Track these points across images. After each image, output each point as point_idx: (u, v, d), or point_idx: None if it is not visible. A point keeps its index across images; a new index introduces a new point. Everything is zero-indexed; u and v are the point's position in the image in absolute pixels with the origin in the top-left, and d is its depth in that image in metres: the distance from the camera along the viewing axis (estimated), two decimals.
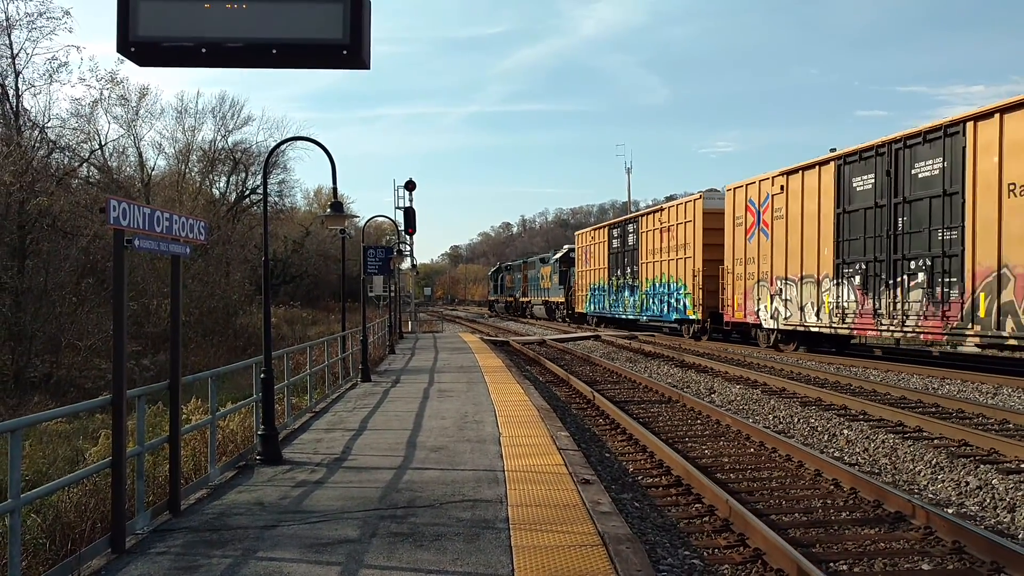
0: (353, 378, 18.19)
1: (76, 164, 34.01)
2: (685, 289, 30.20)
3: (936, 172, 17.76)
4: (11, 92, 29.74)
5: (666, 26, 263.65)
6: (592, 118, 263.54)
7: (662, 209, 33.52)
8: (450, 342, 31.76)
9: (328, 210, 11.75)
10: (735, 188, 26.81)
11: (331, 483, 8.04)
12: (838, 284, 21.14)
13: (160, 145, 64.43)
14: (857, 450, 10.72)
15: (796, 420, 12.87)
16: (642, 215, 36.64)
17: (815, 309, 22.06)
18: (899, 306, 18.82)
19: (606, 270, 40.27)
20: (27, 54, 32.09)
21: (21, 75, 30.02)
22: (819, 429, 12.10)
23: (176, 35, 4.14)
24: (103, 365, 22.59)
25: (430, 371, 19.84)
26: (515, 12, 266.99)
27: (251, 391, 9.94)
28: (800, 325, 22.82)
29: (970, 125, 16.71)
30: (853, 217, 20.55)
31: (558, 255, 52.18)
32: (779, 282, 23.83)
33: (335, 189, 11.15)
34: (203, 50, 4.19)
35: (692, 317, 29.81)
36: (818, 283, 21.95)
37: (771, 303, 24.30)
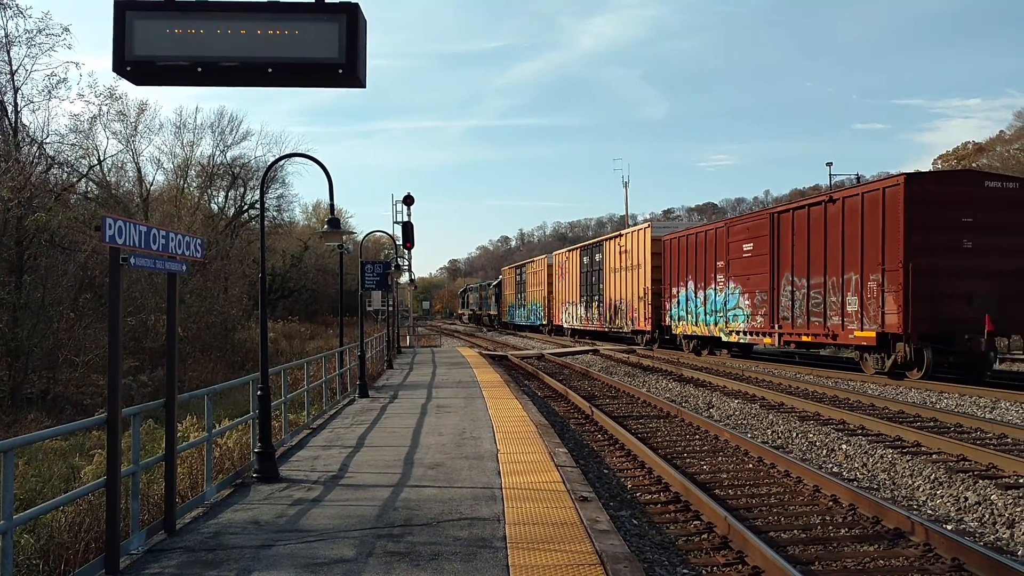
0: (351, 394, 18.14)
1: (74, 179, 34.10)
2: (541, 308, 54.01)
3: (600, 259, 40.88)
4: (10, 108, 29.86)
5: (665, 40, 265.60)
6: (591, 132, 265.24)
7: (533, 261, 58.93)
8: (448, 357, 31.71)
9: (326, 225, 11.74)
10: (556, 255, 51.87)
11: (328, 501, 7.99)
12: (580, 305, 44.36)
13: (159, 160, 64.20)
14: (856, 465, 10.69)
15: (794, 435, 12.84)
16: (527, 263, 61.28)
17: (575, 318, 45.30)
18: (593, 316, 41.76)
19: (515, 295, 63.49)
20: (26, 70, 32.09)
21: (20, 91, 30.19)
22: (817, 444, 12.07)
23: (172, 54, 4.14)
24: (101, 381, 22.48)
25: (428, 386, 19.79)
26: (514, 27, 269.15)
27: (248, 406, 9.89)
28: (572, 326, 46.07)
29: (605, 243, 40.35)
30: (585, 274, 43.61)
31: (495, 282, 76.65)
32: (568, 304, 47.16)
33: (332, 206, 11.14)
34: (199, 69, 4.19)
35: (544, 323, 53.58)
36: (576, 304, 45.14)
37: (566, 314, 47.58)
